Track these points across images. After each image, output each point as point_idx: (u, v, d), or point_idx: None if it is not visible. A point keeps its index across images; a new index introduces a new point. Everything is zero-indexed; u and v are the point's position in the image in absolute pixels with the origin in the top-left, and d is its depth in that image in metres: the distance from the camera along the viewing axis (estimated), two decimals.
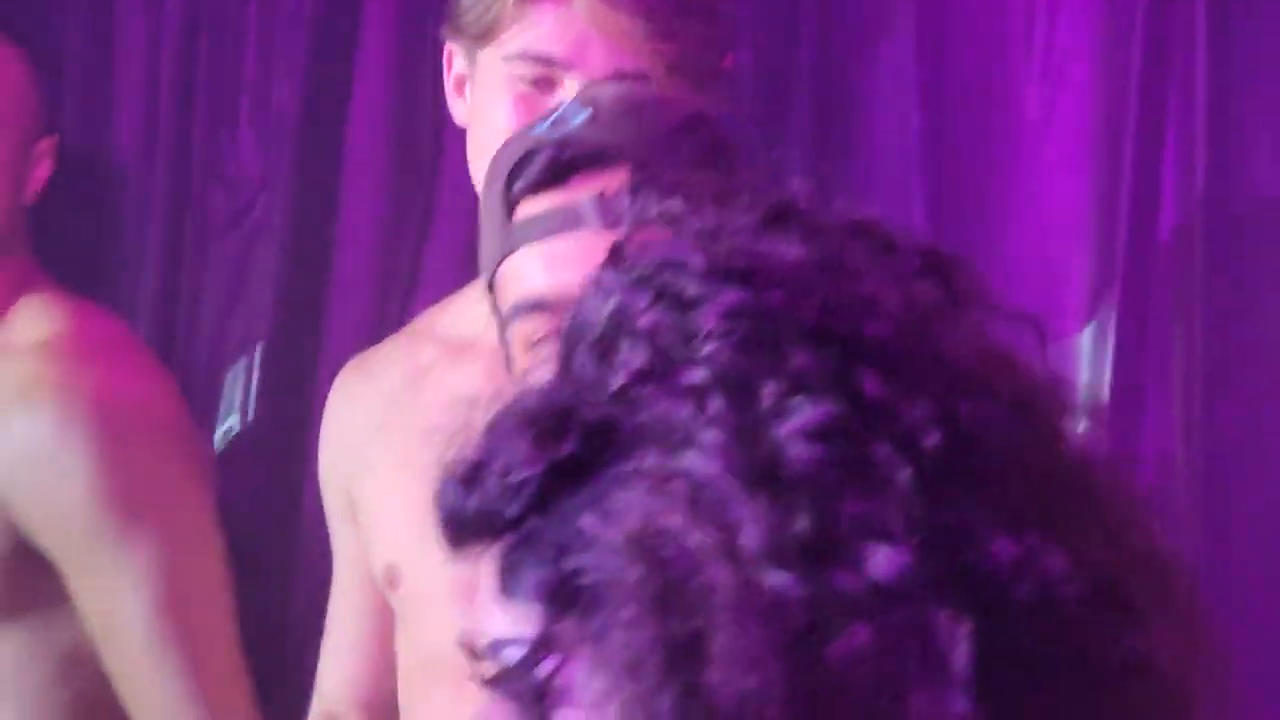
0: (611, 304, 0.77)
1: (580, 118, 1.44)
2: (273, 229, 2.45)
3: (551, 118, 1.45)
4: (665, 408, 0.73)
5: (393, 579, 1.75)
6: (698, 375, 0.73)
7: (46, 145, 2.20)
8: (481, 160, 1.57)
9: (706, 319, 0.75)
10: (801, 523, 0.70)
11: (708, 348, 0.74)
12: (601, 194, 1.39)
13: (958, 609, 0.70)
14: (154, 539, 1.99)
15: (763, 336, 0.75)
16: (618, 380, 0.75)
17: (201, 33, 2.48)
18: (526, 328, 1.40)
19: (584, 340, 0.77)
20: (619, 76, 1.62)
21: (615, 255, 0.81)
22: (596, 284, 0.78)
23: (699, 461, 0.72)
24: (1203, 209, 2.08)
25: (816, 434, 0.72)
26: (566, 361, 0.78)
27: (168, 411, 2.11)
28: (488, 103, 1.72)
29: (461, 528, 0.77)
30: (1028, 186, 2.19)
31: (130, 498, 2.00)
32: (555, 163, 1.42)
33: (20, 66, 2.17)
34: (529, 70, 1.68)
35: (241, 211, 2.47)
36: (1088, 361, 2.11)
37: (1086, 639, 0.74)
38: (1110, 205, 2.12)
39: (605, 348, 0.76)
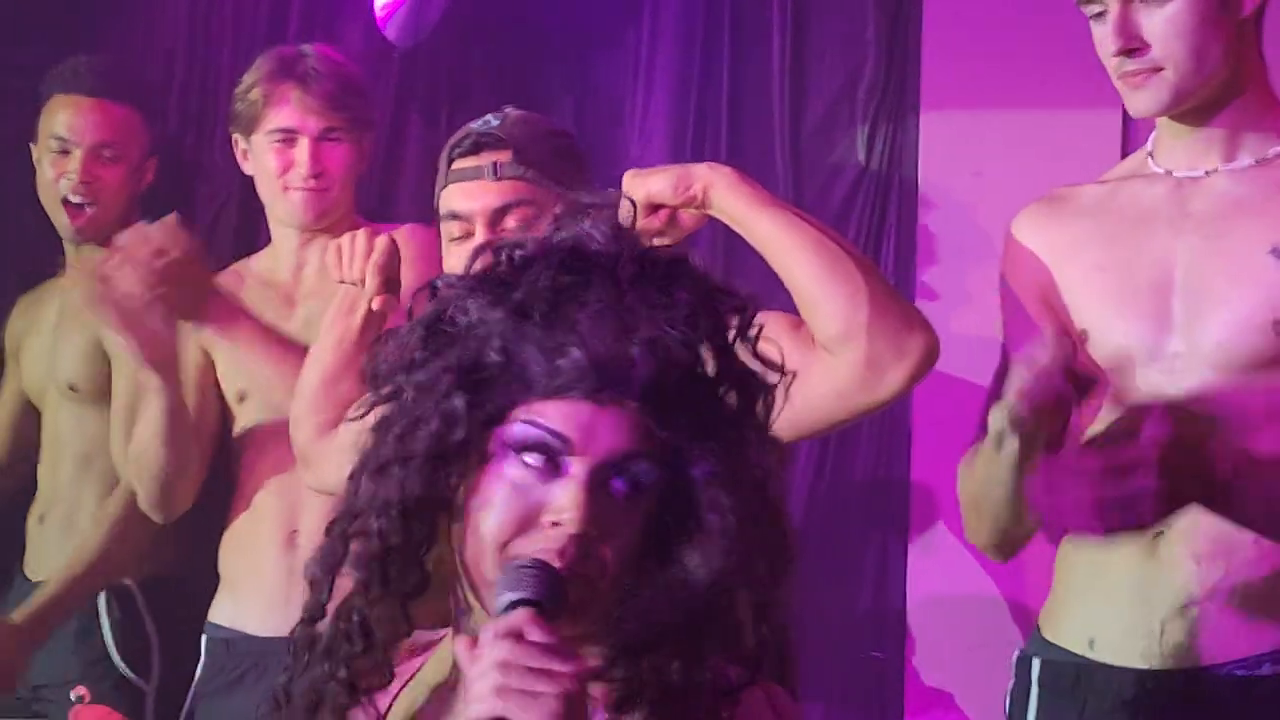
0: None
1: (494, 120, 2.69)
2: None
3: (481, 119, 2.68)
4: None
5: None
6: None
7: (151, 163, 4.13)
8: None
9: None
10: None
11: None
12: (495, 161, 2.62)
13: None
14: None
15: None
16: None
17: None
18: (450, 228, 2.64)
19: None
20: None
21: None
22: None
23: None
24: None
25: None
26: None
27: None
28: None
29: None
30: None
31: None
32: (475, 141, 2.64)
33: (137, 115, 4.10)
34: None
35: None
36: None
37: None
38: None
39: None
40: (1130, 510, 2.04)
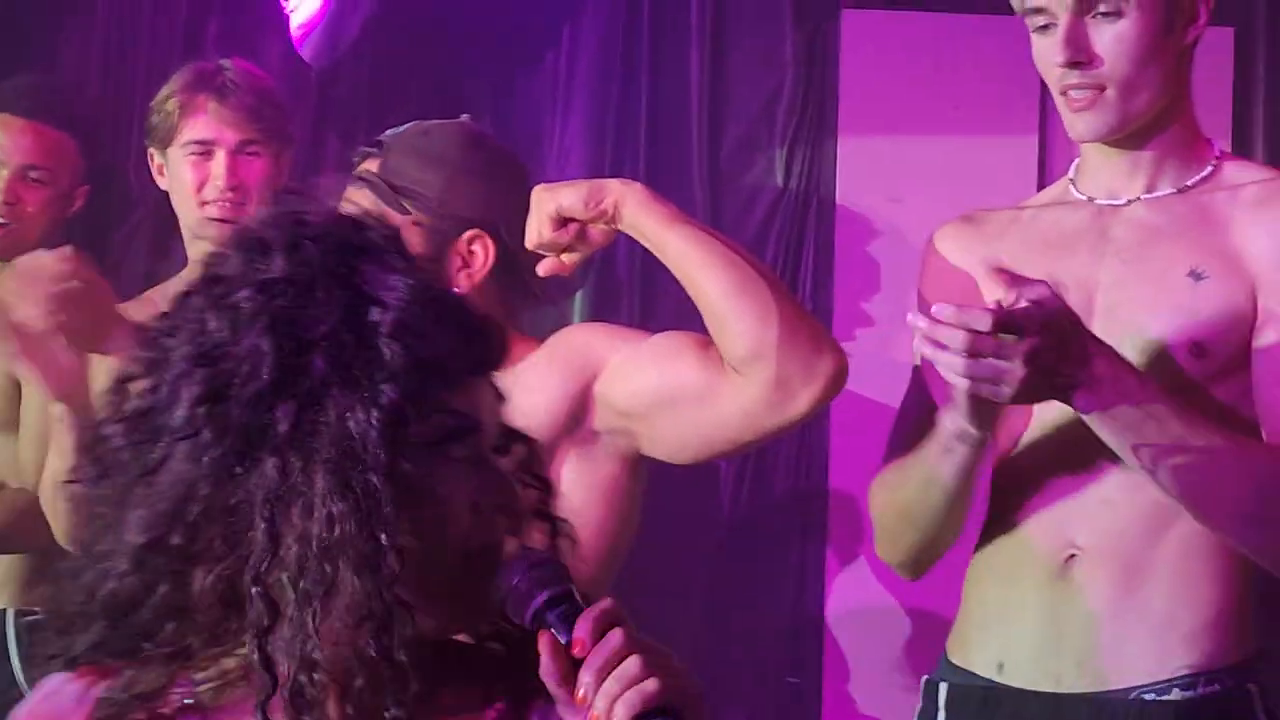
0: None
1: (386, 138, 2.71)
2: None
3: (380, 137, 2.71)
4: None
5: None
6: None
7: (81, 191, 4.02)
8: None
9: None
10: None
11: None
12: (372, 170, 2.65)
13: None
14: None
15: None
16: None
17: None
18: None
19: None
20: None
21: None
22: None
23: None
24: None
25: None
26: None
27: None
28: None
29: None
30: None
31: None
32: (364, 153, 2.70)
33: (72, 142, 3.96)
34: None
35: None
36: None
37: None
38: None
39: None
40: (994, 384, 2.06)
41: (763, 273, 2.39)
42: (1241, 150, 4.82)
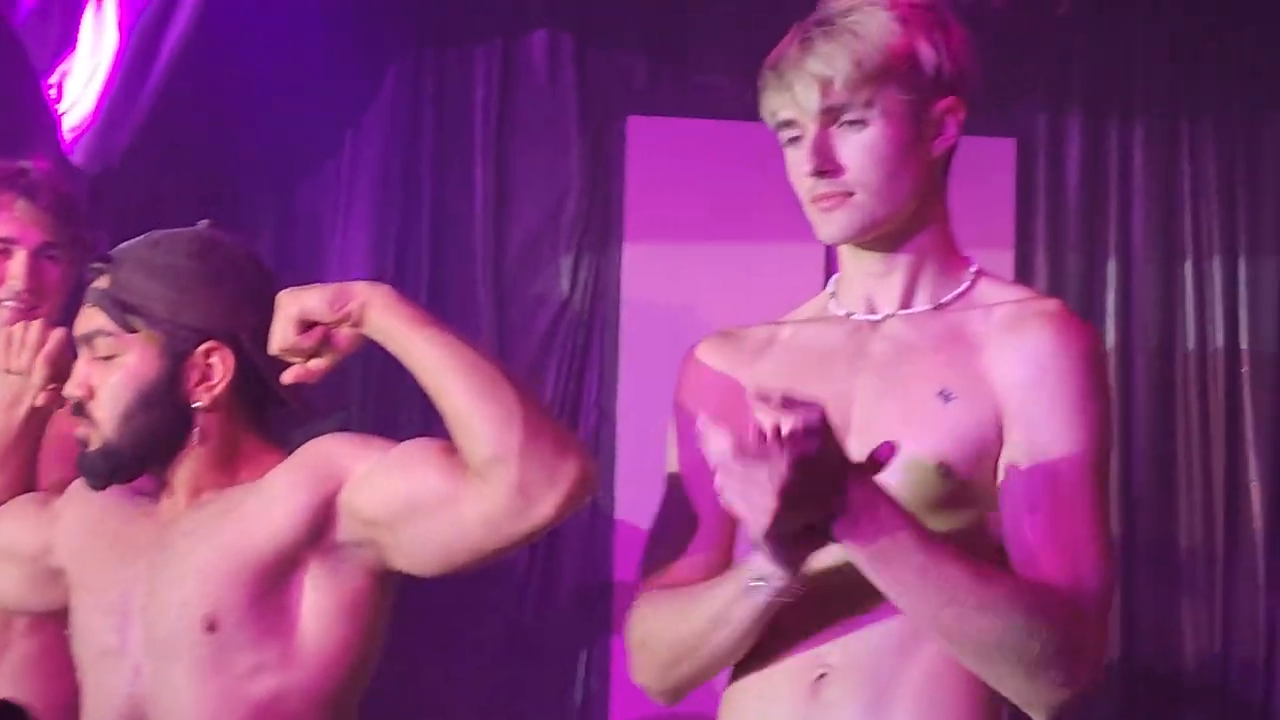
0: None
1: (116, 252, 2.57)
2: None
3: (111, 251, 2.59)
4: None
5: None
6: None
7: None
8: None
9: None
10: None
11: None
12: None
13: None
14: None
15: None
16: None
17: None
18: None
19: None
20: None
21: None
22: None
23: None
24: None
25: None
26: None
27: None
28: None
29: None
30: None
31: None
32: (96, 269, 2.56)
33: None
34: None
35: None
36: None
37: None
38: None
39: None
40: (752, 506, 2.04)
41: (508, 377, 2.34)
42: (1024, 258, 4.92)
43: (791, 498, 2.04)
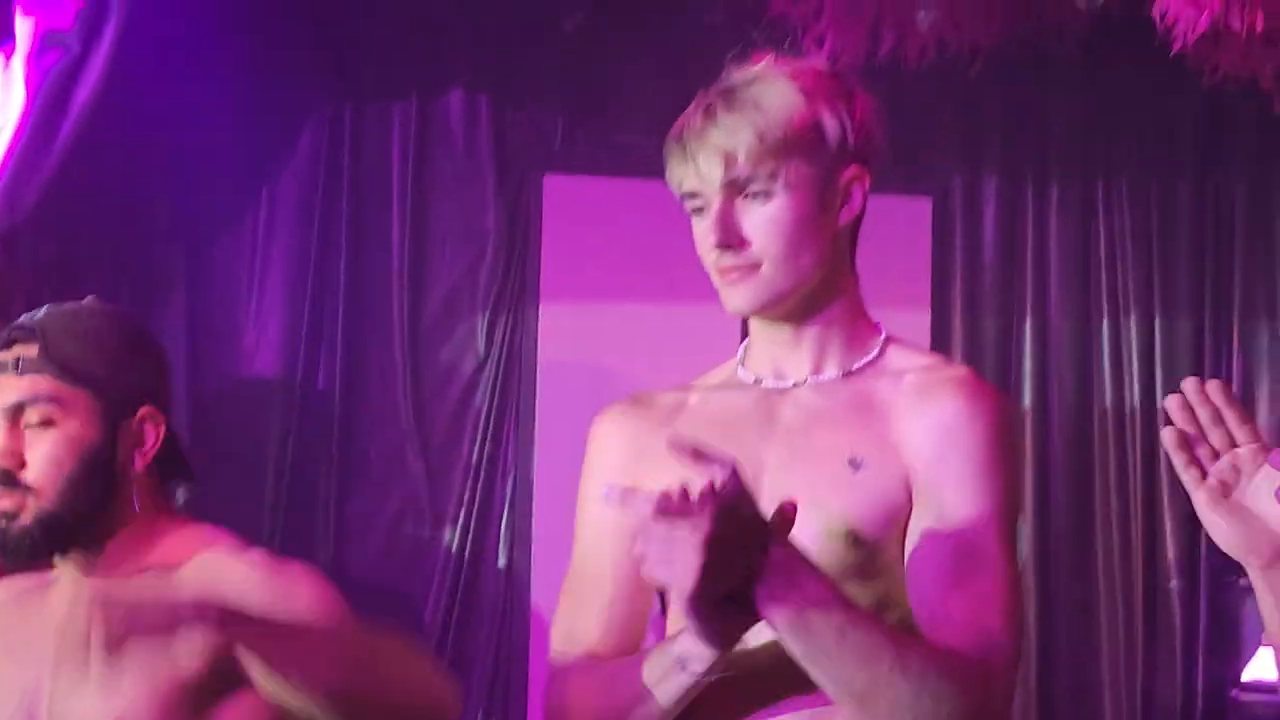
0: None
1: (39, 313, 2.49)
2: None
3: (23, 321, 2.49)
4: None
5: None
6: None
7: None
8: None
9: None
10: None
11: None
12: (20, 356, 2.44)
13: None
14: None
15: None
16: None
17: None
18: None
19: None
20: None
21: None
22: None
23: None
24: None
25: None
26: None
27: None
28: None
29: None
30: None
31: None
32: (8, 335, 2.47)
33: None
34: None
35: None
36: None
37: None
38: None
39: None
40: (671, 570, 2.00)
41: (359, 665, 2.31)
42: (941, 319, 4.92)
43: (714, 554, 2.00)
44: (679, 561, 2.01)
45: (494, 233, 4.63)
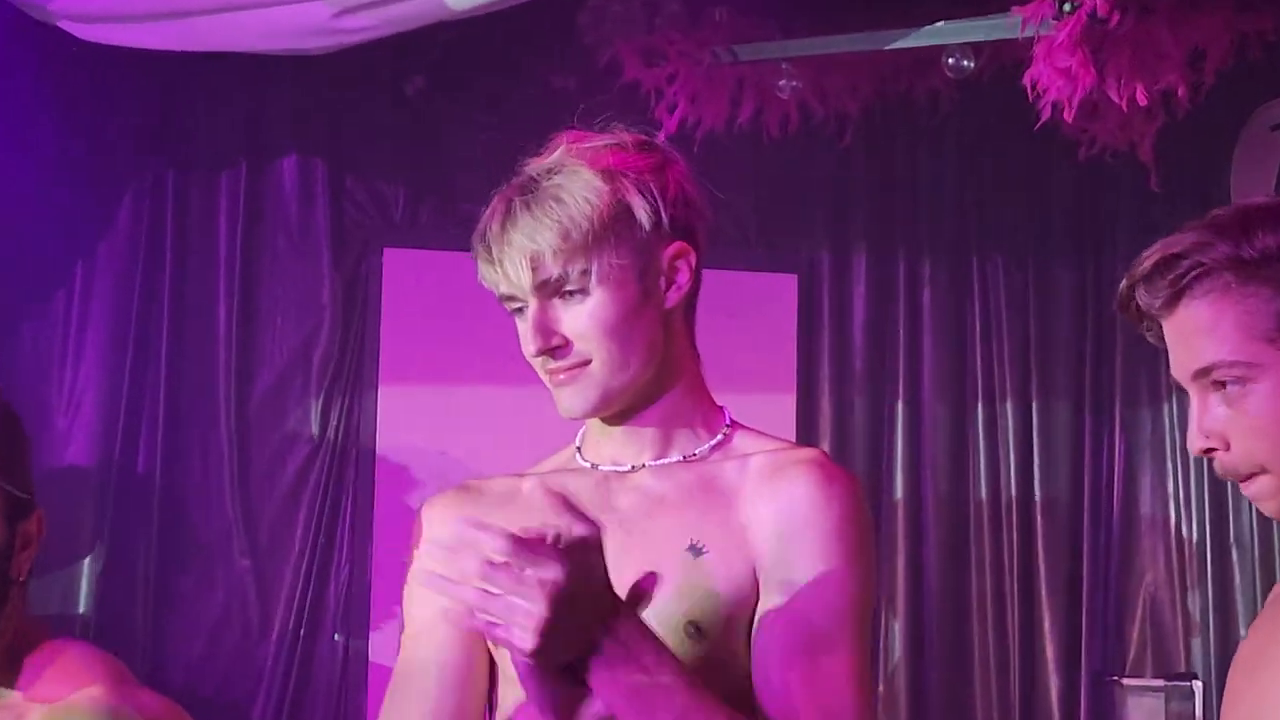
0: None
1: None
2: None
3: None
4: None
5: None
6: None
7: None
8: None
9: None
10: None
11: None
12: None
13: None
14: None
15: None
16: None
17: None
18: None
19: None
20: None
21: None
22: None
23: None
24: None
25: None
26: None
27: None
28: None
29: None
30: None
31: None
32: None
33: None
34: None
35: None
36: None
37: None
38: None
39: None
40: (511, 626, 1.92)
41: None
42: (808, 400, 4.73)
43: (561, 611, 1.92)
44: (521, 614, 1.91)
45: (330, 308, 4.41)
